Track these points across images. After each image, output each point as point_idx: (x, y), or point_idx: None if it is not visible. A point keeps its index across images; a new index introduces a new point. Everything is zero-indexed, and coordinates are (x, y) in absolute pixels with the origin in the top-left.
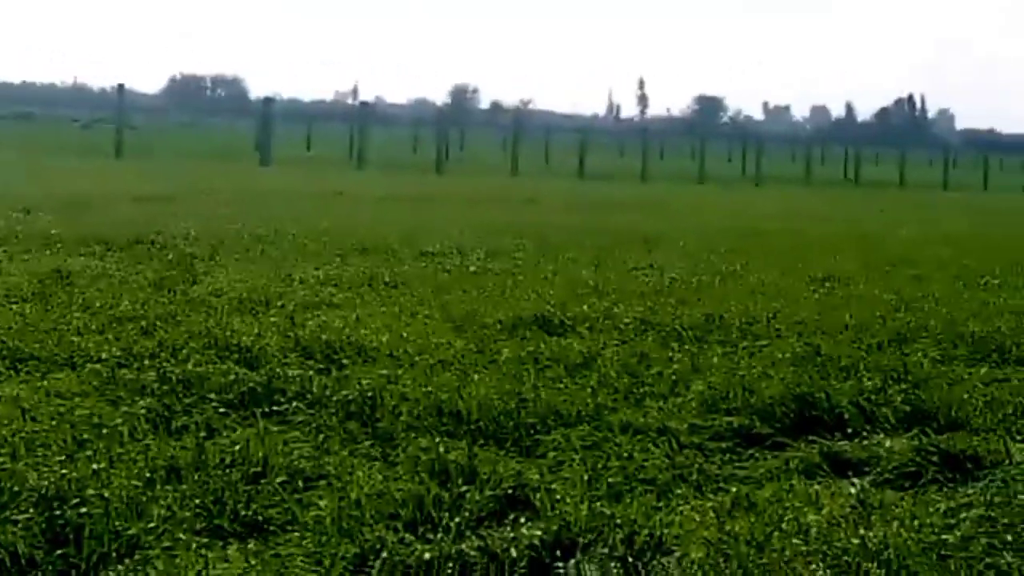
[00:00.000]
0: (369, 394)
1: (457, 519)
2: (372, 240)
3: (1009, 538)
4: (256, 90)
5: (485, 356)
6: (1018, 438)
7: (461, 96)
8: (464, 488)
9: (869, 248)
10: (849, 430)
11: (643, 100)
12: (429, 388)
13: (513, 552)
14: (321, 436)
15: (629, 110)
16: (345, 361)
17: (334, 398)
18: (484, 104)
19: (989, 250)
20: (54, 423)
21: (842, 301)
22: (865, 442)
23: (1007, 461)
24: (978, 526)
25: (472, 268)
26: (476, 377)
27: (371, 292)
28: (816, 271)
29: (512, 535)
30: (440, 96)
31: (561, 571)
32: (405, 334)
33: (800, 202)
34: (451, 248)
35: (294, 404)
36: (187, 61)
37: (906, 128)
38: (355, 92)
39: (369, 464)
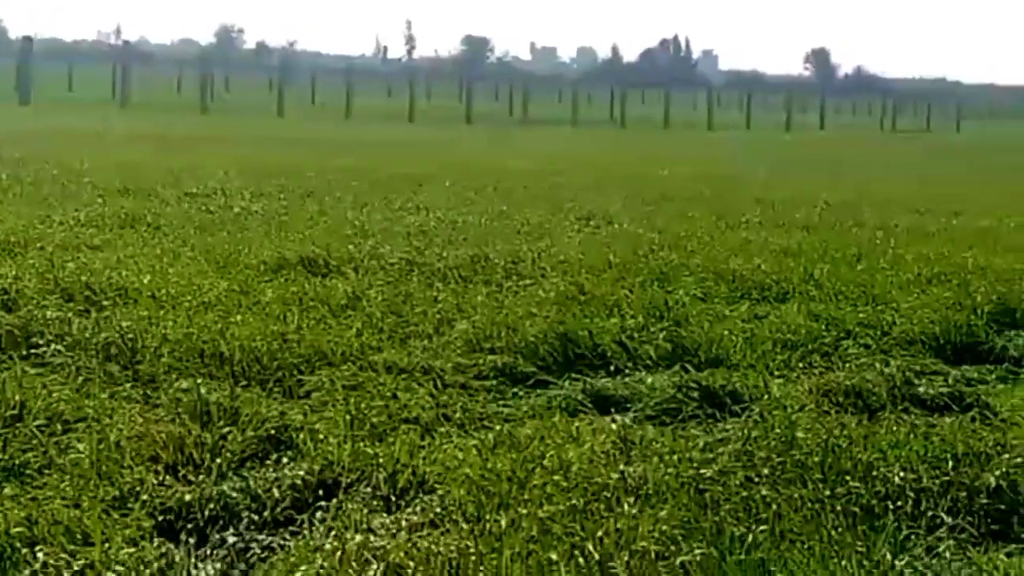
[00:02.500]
0: (130, 336)
1: (219, 460)
2: (134, 181)
3: (765, 471)
4: (14, 29)
5: (248, 297)
6: (776, 373)
7: (226, 36)
8: (226, 429)
9: (633, 187)
10: (612, 367)
11: (411, 41)
12: (191, 329)
13: (276, 492)
14: (81, 378)
15: (397, 51)
16: (106, 303)
17: (94, 340)
18: (250, 45)
19: (750, 188)
20: None
21: (606, 240)
22: (627, 379)
23: (765, 396)
24: (736, 460)
25: (236, 209)
26: (239, 318)
27: (133, 233)
28: (580, 210)
29: (275, 475)
30: (205, 36)
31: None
32: (167, 276)
33: (566, 142)
34: (215, 189)
35: (53, 346)
36: None
37: (671, 69)
38: (118, 32)
39: (130, 406)
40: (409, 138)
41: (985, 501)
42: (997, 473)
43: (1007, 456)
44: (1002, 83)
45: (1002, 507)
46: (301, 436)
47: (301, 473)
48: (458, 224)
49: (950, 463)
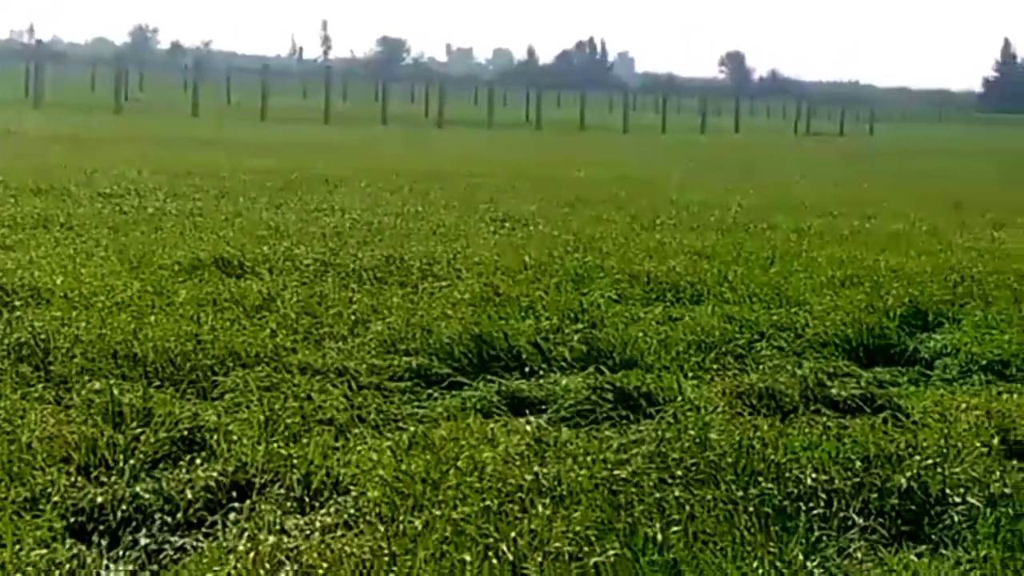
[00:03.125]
0: (42, 337)
1: (132, 461)
2: (47, 181)
3: (679, 473)
4: None
5: (162, 298)
6: (690, 375)
7: (141, 36)
8: (139, 430)
9: (548, 189)
10: (527, 369)
11: (326, 42)
12: (104, 330)
13: (188, 494)
14: None
15: (312, 52)
16: (18, 303)
17: (6, 341)
18: (164, 45)
19: (665, 191)
20: None
21: (521, 241)
22: (542, 380)
23: (679, 398)
24: (649, 461)
25: (150, 209)
26: (153, 319)
27: (45, 233)
28: (496, 212)
29: (188, 477)
30: (119, 36)
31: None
32: (80, 276)
33: (481, 144)
34: (129, 189)
35: None
36: None
37: (587, 71)
38: (31, 30)
39: (41, 407)
40: (324, 139)
41: (896, 502)
42: (908, 474)
43: (918, 458)
44: (915, 87)
45: (913, 508)
46: (215, 437)
47: (214, 474)
48: (373, 225)
49: (862, 464)
